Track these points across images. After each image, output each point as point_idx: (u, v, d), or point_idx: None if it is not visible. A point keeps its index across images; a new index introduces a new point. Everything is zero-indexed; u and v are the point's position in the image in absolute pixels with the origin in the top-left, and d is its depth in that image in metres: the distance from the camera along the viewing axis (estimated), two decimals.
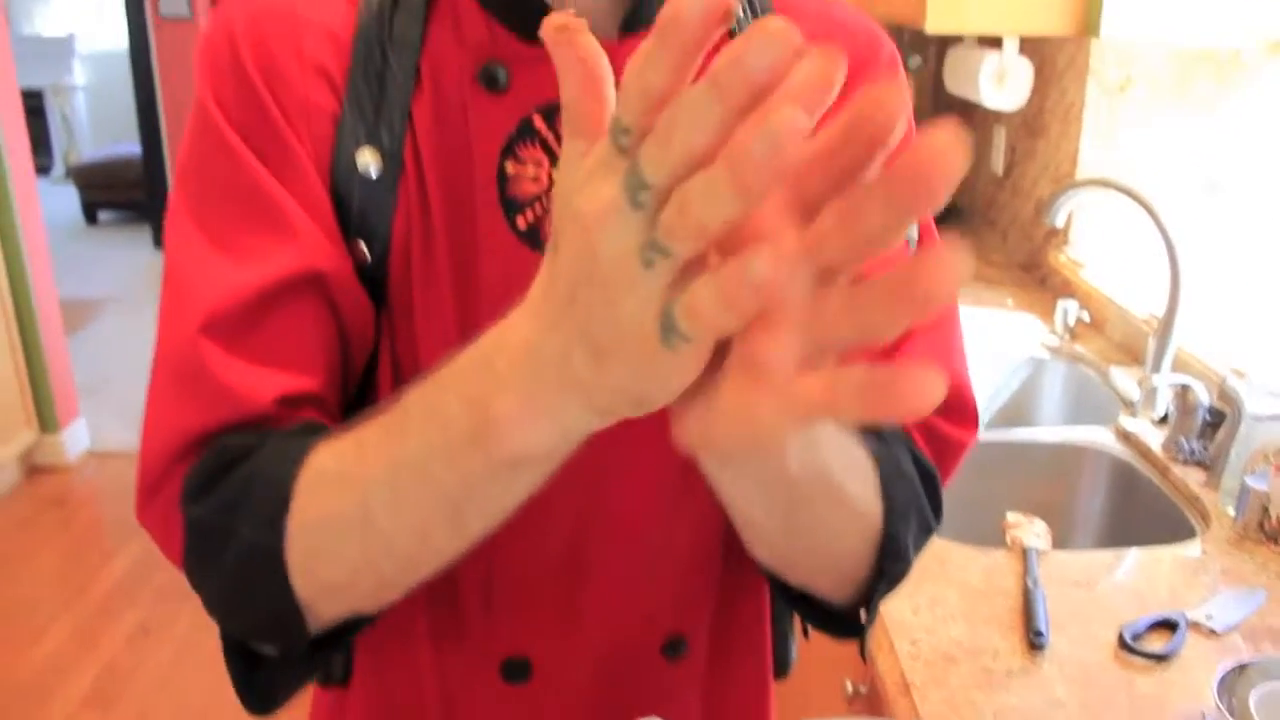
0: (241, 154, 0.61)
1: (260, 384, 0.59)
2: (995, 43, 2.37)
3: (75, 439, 3.89)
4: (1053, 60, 2.32)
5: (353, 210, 0.63)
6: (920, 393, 0.32)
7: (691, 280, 0.34)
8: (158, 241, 6.65)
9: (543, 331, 0.40)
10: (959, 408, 0.70)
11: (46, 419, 3.78)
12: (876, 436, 0.63)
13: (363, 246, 0.63)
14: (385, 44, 0.64)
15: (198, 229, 0.61)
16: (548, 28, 0.38)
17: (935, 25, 2.18)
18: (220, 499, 0.56)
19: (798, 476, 0.51)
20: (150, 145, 6.45)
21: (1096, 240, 2.23)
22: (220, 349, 0.59)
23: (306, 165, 0.62)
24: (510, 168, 0.63)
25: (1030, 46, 2.37)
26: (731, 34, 0.64)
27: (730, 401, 0.37)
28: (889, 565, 0.62)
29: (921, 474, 0.66)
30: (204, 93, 0.63)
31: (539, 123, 0.64)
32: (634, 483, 0.69)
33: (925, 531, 0.65)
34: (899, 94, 0.32)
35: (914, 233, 0.69)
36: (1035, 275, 2.41)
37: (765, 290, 0.32)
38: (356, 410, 0.60)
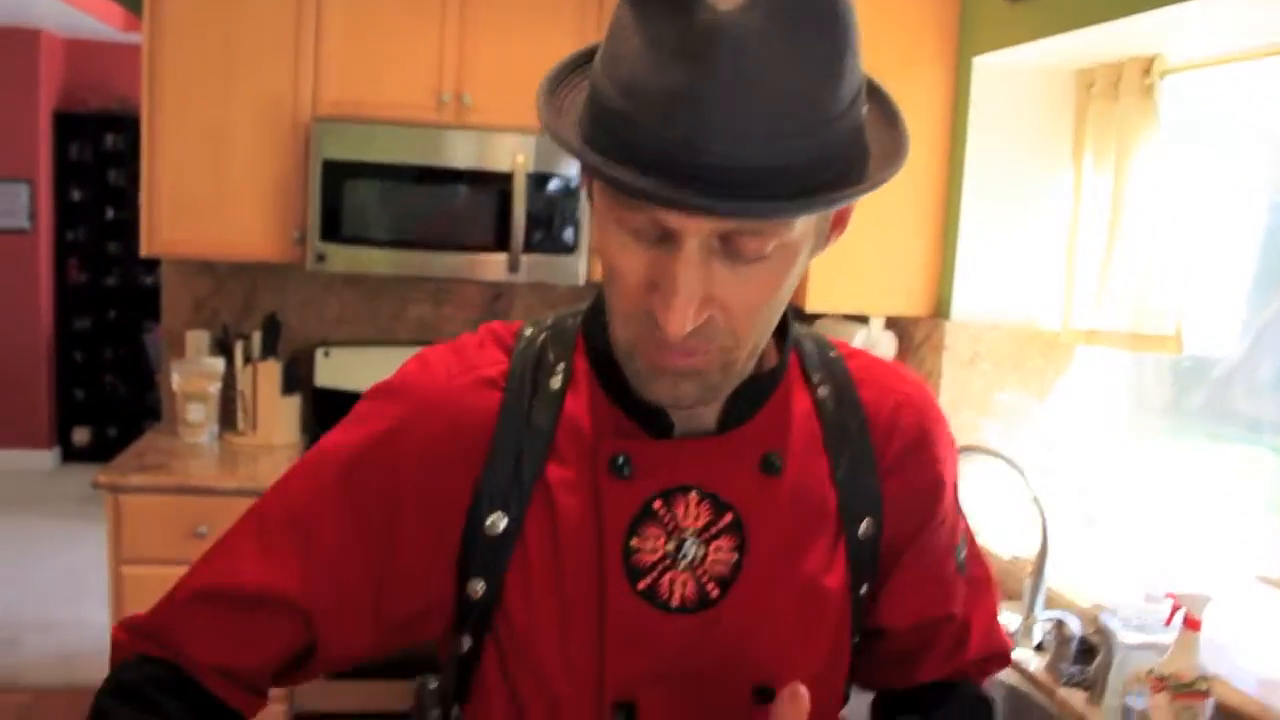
0: (334, 503, 0.80)
1: (204, 651, 0.78)
2: (863, 319, 2.74)
3: None
4: (912, 335, 2.69)
5: (475, 558, 0.80)
6: None
7: None
8: None
9: None
10: (1004, 658, 0.97)
11: None
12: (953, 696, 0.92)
13: (480, 585, 0.80)
14: (523, 429, 0.80)
15: (258, 523, 0.82)
16: None
17: (814, 305, 2.54)
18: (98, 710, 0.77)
19: None
20: None
21: (967, 491, 2.53)
22: (198, 613, 0.79)
23: (393, 548, 0.79)
24: (634, 543, 0.78)
25: (892, 322, 2.74)
26: (819, 406, 0.85)
27: None
28: None
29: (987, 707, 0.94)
30: (342, 442, 0.82)
31: (658, 505, 0.79)
32: None
33: None
34: None
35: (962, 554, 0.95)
36: None
37: None
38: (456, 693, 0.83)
